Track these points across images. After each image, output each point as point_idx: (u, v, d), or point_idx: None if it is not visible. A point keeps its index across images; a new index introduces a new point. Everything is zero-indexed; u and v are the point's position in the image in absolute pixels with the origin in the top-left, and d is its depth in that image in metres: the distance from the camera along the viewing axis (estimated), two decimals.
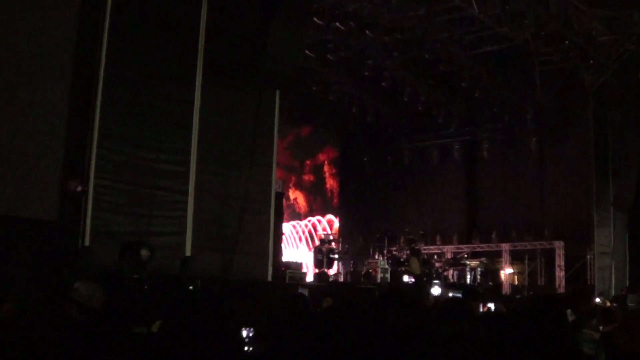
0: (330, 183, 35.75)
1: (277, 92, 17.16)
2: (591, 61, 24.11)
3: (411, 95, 26.83)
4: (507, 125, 28.68)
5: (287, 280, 17.03)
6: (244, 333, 7.07)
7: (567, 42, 22.73)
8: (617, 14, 23.48)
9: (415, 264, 21.15)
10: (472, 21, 21.82)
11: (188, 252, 14.04)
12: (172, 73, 14.58)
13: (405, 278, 20.71)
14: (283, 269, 17.98)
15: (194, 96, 14.89)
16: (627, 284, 25.69)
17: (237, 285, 14.18)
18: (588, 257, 26.35)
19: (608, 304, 18.95)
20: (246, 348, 6.76)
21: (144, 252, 10.71)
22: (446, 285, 22.33)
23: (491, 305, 9.05)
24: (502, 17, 20.99)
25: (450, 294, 13.78)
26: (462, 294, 11.22)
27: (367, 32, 21.75)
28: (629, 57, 24.38)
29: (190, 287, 11.87)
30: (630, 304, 20.45)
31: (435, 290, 13.70)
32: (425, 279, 22.19)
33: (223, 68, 15.68)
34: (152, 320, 6.82)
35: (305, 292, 13.57)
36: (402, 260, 22.86)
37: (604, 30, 23.38)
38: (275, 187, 17.38)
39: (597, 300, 20.23)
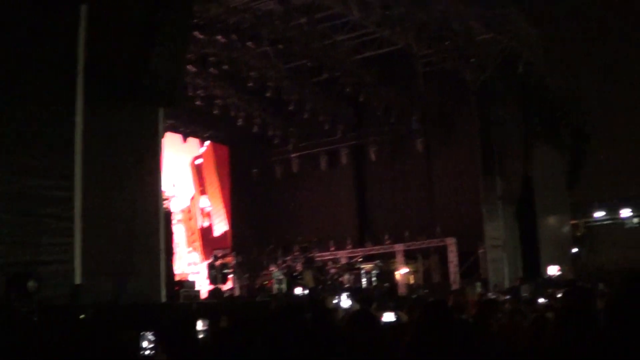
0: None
1: (161, 109, 17.13)
2: (472, 60, 24.95)
3: (296, 104, 27.25)
4: (393, 127, 29.45)
5: (181, 300, 17.05)
6: None
7: (447, 42, 23.50)
8: (494, 12, 24.40)
9: (308, 277, 21.55)
10: (353, 27, 22.30)
11: (78, 280, 13.92)
12: (51, 95, 14.33)
13: (299, 290, 20.91)
14: (177, 288, 18.00)
15: (75, 118, 14.70)
16: (521, 274, 26.66)
17: (130, 310, 14.12)
18: (480, 251, 27.34)
19: (501, 297, 19.57)
20: None
21: (31, 284, 10.62)
22: (343, 291, 22.69)
23: (391, 315, 9.38)
24: (383, 22, 21.54)
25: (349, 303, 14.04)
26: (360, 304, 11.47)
27: (248, 43, 21.94)
28: (508, 53, 25.42)
29: (82, 316, 11.81)
30: (523, 294, 21.13)
31: (345, 303, 13.95)
32: (321, 287, 22.63)
33: (105, 87, 15.48)
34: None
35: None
36: (295, 274, 23.06)
37: (483, 29, 24.27)
38: (163, 207, 17.36)
39: (490, 294, 20.98)
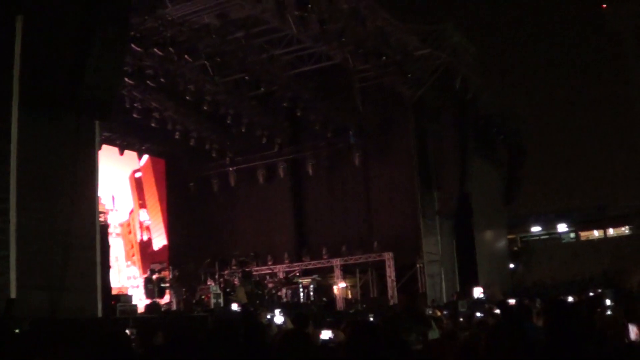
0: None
1: (97, 121, 17.20)
2: (409, 75, 25.36)
3: (233, 117, 27.41)
4: (330, 142, 29.88)
5: (117, 315, 17.07)
6: None
7: (384, 58, 23.87)
8: (431, 28, 24.93)
9: (241, 293, 21.64)
10: (290, 41, 22.55)
11: (13, 294, 13.90)
12: None
13: (235, 306, 21.02)
14: (113, 302, 18.02)
15: (10, 129, 14.67)
16: (458, 289, 27.15)
17: (66, 325, 14.11)
18: (418, 266, 27.75)
19: (438, 313, 19.81)
20: None
21: None
22: (280, 306, 22.83)
23: (328, 333, 9.50)
24: (320, 37, 21.84)
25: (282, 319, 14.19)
26: (294, 323, 11.49)
27: (185, 57, 22.06)
28: (445, 69, 25.93)
29: (17, 330, 11.81)
30: (461, 309, 21.50)
31: (278, 319, 14.11)
32: (258, 302, 22.77)
33: (40, 99, 15.48)
34: None
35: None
36: (227, 290, 23.15)
37: (420, 44, 24.76)
38: (99, 220, 17.40)
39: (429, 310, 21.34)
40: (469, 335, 8.87)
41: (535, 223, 42.87)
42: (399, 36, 23.82)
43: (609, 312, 12.39)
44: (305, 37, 21.87)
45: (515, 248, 41.35)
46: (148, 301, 23.22)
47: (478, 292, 25.19)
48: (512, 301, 19.02)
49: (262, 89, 25.35)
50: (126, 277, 28.87)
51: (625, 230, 43.55)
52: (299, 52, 24.10)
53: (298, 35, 21.64)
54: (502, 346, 5.27)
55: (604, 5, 37.92)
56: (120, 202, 29.21)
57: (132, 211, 30.50)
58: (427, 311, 19.71)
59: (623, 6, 36.92)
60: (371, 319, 16.04)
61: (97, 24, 15.67)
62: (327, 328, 10.39)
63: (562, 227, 43.25)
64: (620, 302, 12.72)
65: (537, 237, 43.66)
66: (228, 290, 23.49)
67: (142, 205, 31.08)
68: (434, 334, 10.89)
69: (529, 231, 43.27)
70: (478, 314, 17.06)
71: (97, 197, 17.13)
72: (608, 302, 13.34)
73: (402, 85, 26.06)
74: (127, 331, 12.89)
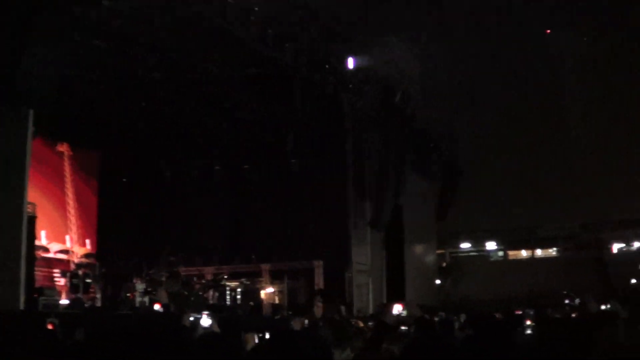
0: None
1: (32, 111, 17.03)
2: (350, 85, 25.59)
3: (174, 115, 27.27)
4: (268, 146, 29.87)
5: (40, 308, 16.93)
6: None
7: (327, 65, 24.07)
8: (375, 38, 25.21)
9: (162, 293, 21.58)
10: (235, 43, 22.53)
11: None
12: None
13: (157, 306, 20.97)
14: (36, 295, 17.84)
15: None
16: (385, 300, 27.45)
17: None
18: (347, 275, 28.00)
19: (360, 324, 19.95)
20: None
21: None
22: (207, 308, 22.82)
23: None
24: (265, 40, 21.93)
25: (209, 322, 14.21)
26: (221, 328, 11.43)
27: (129, 50, 21.90)
28: (387, 82, 26.24)
29: None
30: (387, 320, 21.74)
31: (205, 322, 14.12)
32: (182, 302, 22.71)
33: None
34: None
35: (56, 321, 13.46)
36: (149, 289, 23.07)
37: (363, 56, 25.00)
38: (26, 211, 17.24)
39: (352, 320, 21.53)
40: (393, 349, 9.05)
41: (465, 240, 43.64)
42: (342, 45, 24.04)
43: (528, 332, 12.71)
44: (249, 40, 21.86)
45: (444, 263, 42.00)
46: (71, 296, 23.01)
47: (397, 308, 25.51)
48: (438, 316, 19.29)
49: (205, 89, 25.31)
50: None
51: (552, 252, 44.54)
52: (244, 55, 24.09)
53: (243, 38, 21.61)
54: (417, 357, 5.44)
55: (549, 30, 38.71)
56: (50, 194, 28.74)
57: (60, 204, 30.05)
58: (352, 321, 19.94)
59: (566, 32, 37.73)
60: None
61: (37, 12, 15.56)
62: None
63: (491, 245, 44.07)
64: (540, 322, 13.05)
65: (466, 254, 44.44)
66: (150, 289, 23.40)
67: (70, 198, 30.63)
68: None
69: (458, 247, 44.01)
70: (403, 328, 17.27)
71: (27, 187, 16.94)
72: (528, 322, 13.68)
73: (343, 94, 26.25)
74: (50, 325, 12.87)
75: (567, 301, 27.58)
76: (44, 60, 15.78)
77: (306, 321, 16.38)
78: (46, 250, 27.01)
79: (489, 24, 34.80)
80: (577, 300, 25.37)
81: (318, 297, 24.83)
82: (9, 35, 15.60)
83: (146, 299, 22.40)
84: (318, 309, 23.05)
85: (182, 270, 26.52)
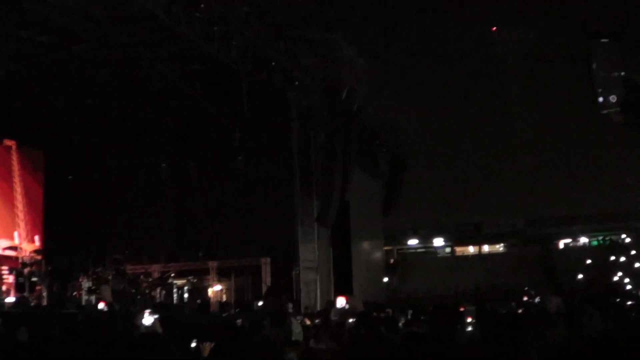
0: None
1: None
2: (296, 83, 25.82)
3: (119, 112, 27.27)
4: (214, 143, 30.01)
5: None
6: None
7: (273, 63, 24.29)
8: (321, 37, 25.51)
9: (106, 292, 21.64)
10: (181, 40, 22.62)
11: None
12: None
13: (101, 305, 21.02)
14: None
15: None
16: (332, 297, 27.66)
17: None
18: (294, 272, 28.20)
19: (308, 322, 20.13)
20: None
21: None
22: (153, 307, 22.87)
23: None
24: (211, 37, 22.08)
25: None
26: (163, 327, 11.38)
27: (73, 46, 21.90)
28: (332, 79, 26.53)
29: None
30: (333, 318, 22.00)
31: (147, 320, 14.15)
32: (131, 298, 22.84)
33: None
34: None
35: None
36: (93, 288, 23.10)
37: (308, 53, 25.29)
38: None
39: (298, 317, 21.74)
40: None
41: (413, 236, 44.18)
42: (289, 43, 24.29)
43: (469, 329, 12.99)
44: (195, 37, 21.97)
45: (392, 260, 42.44)
46: (16, 295, 22.94)
47: (341, 302, 25.79)
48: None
49: (149, 86, 25.36)
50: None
51: (499, 247, 45.29)
52: (188, 51, 24.17)
53: (187, 33, 21.71)
54: (357, 353, 5.69)
55: (494, 28, 39.40)
56: None
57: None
58: (298, 319, 20.17)
59: (511, 30, 38.46)
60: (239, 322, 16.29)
61: None
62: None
63: (438, 242, 44.68)
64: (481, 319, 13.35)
65: (414, 250, 44.98)
66: (94, 288, 23.41)
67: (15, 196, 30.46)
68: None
69: (406, 244, 44.51)
70: (350, 320, 17.55)
71: None
72: (469, 319, 13.97)
73: (290, 92, 26.48)
74: None
75: (525, 298, 28.12)
76: None
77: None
78: None
79: (434, 19, 35.35)
80: (537, 299, 25.77)
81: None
82: None
83: (92, 298, 22.43)
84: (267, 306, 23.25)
85: (129, 269, 26.58)
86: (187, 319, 20.10)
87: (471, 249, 45.83)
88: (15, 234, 28.94)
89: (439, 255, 45.36)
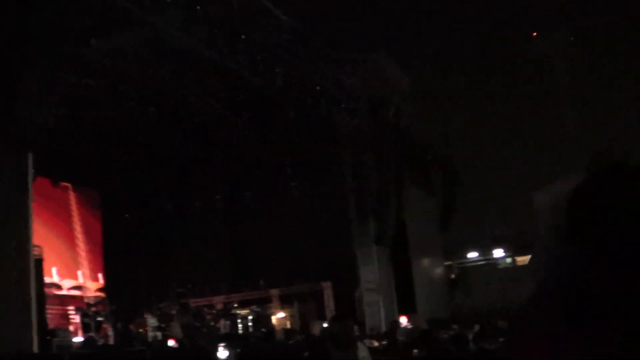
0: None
1: (30, 154, 17.19)
2: (342, 105, 25.76)
3: (170, 149, 27.46)
4: (266, 172, 30.10)
5: (53, 350, 17.02)
6: None
7: (317, 87, 24.27)
8: (363, 56, 25.43)
9: (176, 328, 21.62)
10: (224, 73, 22.71)
11: None
12: None
13: (171, 342, 21.03)
14: (49, 337, 17.94)
15: None
16: (397, 317, 27.41)
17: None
18: (356, 294, 28.01)
19: (375, 343, 19.90)
20: None
21: None
22: (219, 338, 22.81)
23: None
24: (254, 67, 22.14)
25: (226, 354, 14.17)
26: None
27: (120, 87, 22.12)
28: (378, 98, 26.41)
29: None
30: (400, 338, 21.77)
31: (222, 354, 14.08)
32: (197, 332, 22.80)
33: None
34: None
35: None
36: (163, 326, 23.14)
37: (353, 74, 25.21)
38: (33, 255, 17.34)
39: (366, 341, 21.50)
40: None
41: (472, 249, 43.55)
42: (332, 66, 24.24)
43: None
44: (237, 68, 22.04)
45: (453, 275, 41.91)
46: (84, 336, 23.08)
47: (403, 321, 25.55)
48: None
49: (197, 119, 25.52)
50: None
51: None
52: (232, 83, 24.24)
53: (230, 65, 21.78)
54: None
55: (535, 34, 38.98)
56: (55, 234, 28.83)
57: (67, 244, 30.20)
58: (366, 342, 19.92)
59: (553, 34, 38.00)
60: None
61: (28, 56, 15.76)
62: None
63: (498, 253, 44.00)
64: None
65: (474, 263, 44.34)
66: (163, 325, 23.48)
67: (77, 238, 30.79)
68: None
69: (465, 257, 43.91)
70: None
71: (31, 229, 17.06)
72: None
73: (337, 115, 26.40)
74: None
75: None
76: (37, 103, 15.95)
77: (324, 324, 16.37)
78: (59, 287, 27.15)
79: (477, 30, 35.10)
80: None
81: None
82: (1, 82, 15.75)
83: (159, 334, 22.46)
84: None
85: (192, 302, 26.64)
86: (254, 348, 20.00)
87: None
88: (79, 273, 29.23)
89: (499, 267, 44.68)
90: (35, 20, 15.82)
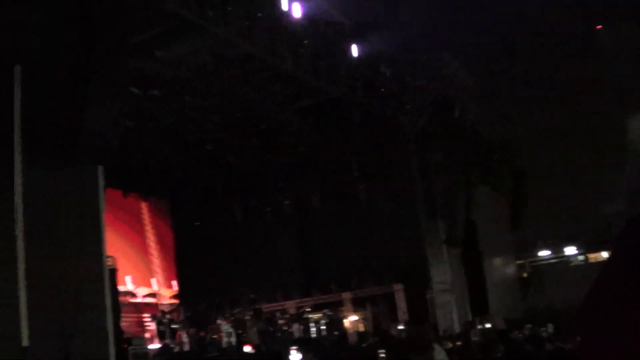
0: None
1: (100, 167, 17.34)
2: (408, 106, 25.56)
3: (237, 156, 27.56)
4: (333, 175, 29.94)
5: (130, 358, 17.13)
6: None
7: (382, 89, 24.11)
8: (427, 57, 25.19)
9: (253, 334, 21.65)
10: (287, 78, 22.72)
11: (25, 342, 13.96)
12: None
13: (247, 348, 21.05)
14: (125, 345, 18.07)
15: (13, 180, 14.79)
16: (470, 318, 27.10)
17: None
18: (428, 296, 27.71)
19: (449, 344, 19.64)
20: None
21: None
22: (292, 342, 22.80)
23: None
24: (318, 71, 22.08)
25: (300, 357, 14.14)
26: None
27: (185, 97, 22.27)
28: (443, 98, 26.14)
29: None
30: (474, 339, 21.46)
31: (295, 357, 14.04)
32: (271, 337, 22.80)
33: (42, 148, 15.65)
34: None
35: None
36: (239, 332, 23.18)
37: (417, 74, 25.00)
38: (106, 264, 17.49)
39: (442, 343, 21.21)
40: None
41: (544, 247, 42.85)
42: (395, 68, 24.07)
43: None
44: (301, 73, 22.03)
45: (525, 274, 41.29)
46: (159, 344, 23.27)
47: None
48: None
49: (263, 125, 25.57)
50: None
51: None
52: (296, 88, 24.24)
53: (294, 71, 21.78)
54: None
55: (599, 26, 38.19)
56: (127, 244, 29.17)
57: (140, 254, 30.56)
58: (442, 344, 19.65)
59: (618, 26, 37.19)
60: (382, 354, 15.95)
61: (95, 70, 15.90)
62: None
63: (570, 250, 43.20)
64: None
65: (546, 262, 43.61)
66: (240, 332, 23.54)
67: (149, 247, 31.16)
68: None
69: (537, 256, 43.23)
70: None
71: (104, 240, 17.21)
72: None
73: (402, 116, 26.22)
74: None
75: None
76: (105, 116, 16.08)
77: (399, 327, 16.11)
78: (133, 295, 27.46)
79: (539, 27, 34.52)
80: None
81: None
82: (70, 95, 15.92)
83: (233, 340, 22.52)
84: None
85: (265, 307, 26.67)
86: (327, 352, 19.90)
87: (604, 254, 44.21)
88: (153, 280, 29.54)
89: (572, 264, 43.91)
90: (101, 35, 15.96)
